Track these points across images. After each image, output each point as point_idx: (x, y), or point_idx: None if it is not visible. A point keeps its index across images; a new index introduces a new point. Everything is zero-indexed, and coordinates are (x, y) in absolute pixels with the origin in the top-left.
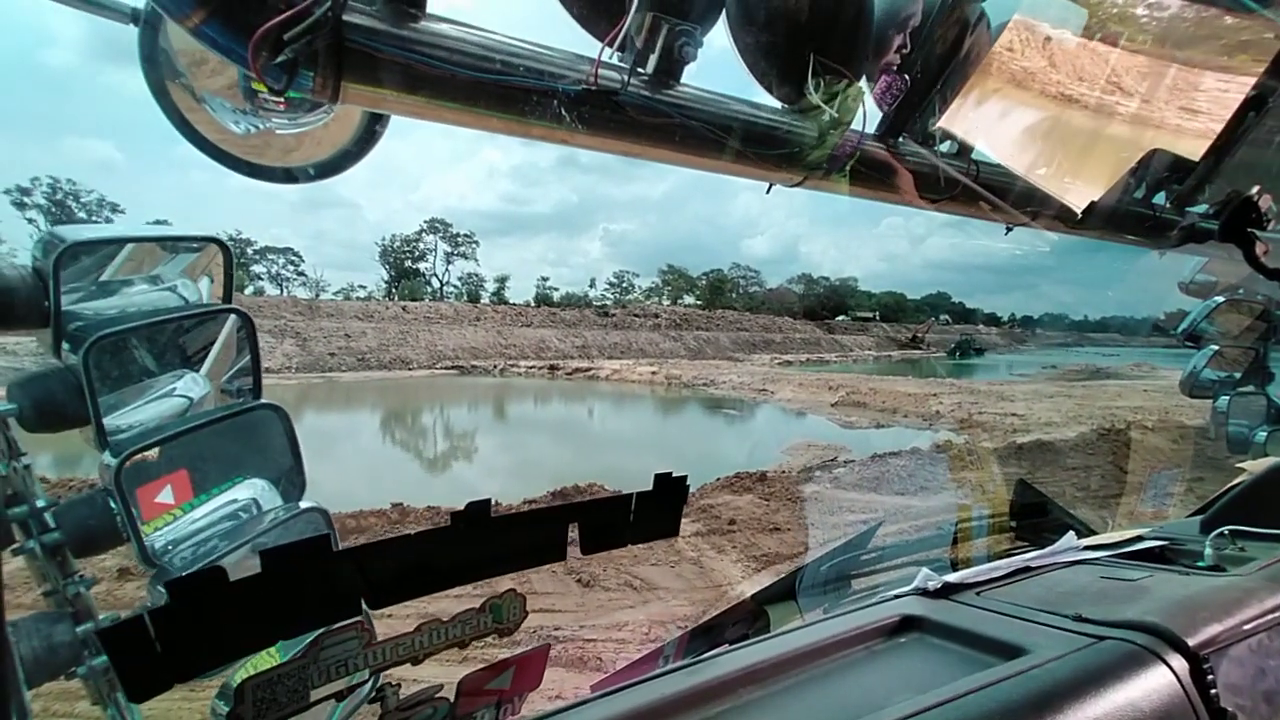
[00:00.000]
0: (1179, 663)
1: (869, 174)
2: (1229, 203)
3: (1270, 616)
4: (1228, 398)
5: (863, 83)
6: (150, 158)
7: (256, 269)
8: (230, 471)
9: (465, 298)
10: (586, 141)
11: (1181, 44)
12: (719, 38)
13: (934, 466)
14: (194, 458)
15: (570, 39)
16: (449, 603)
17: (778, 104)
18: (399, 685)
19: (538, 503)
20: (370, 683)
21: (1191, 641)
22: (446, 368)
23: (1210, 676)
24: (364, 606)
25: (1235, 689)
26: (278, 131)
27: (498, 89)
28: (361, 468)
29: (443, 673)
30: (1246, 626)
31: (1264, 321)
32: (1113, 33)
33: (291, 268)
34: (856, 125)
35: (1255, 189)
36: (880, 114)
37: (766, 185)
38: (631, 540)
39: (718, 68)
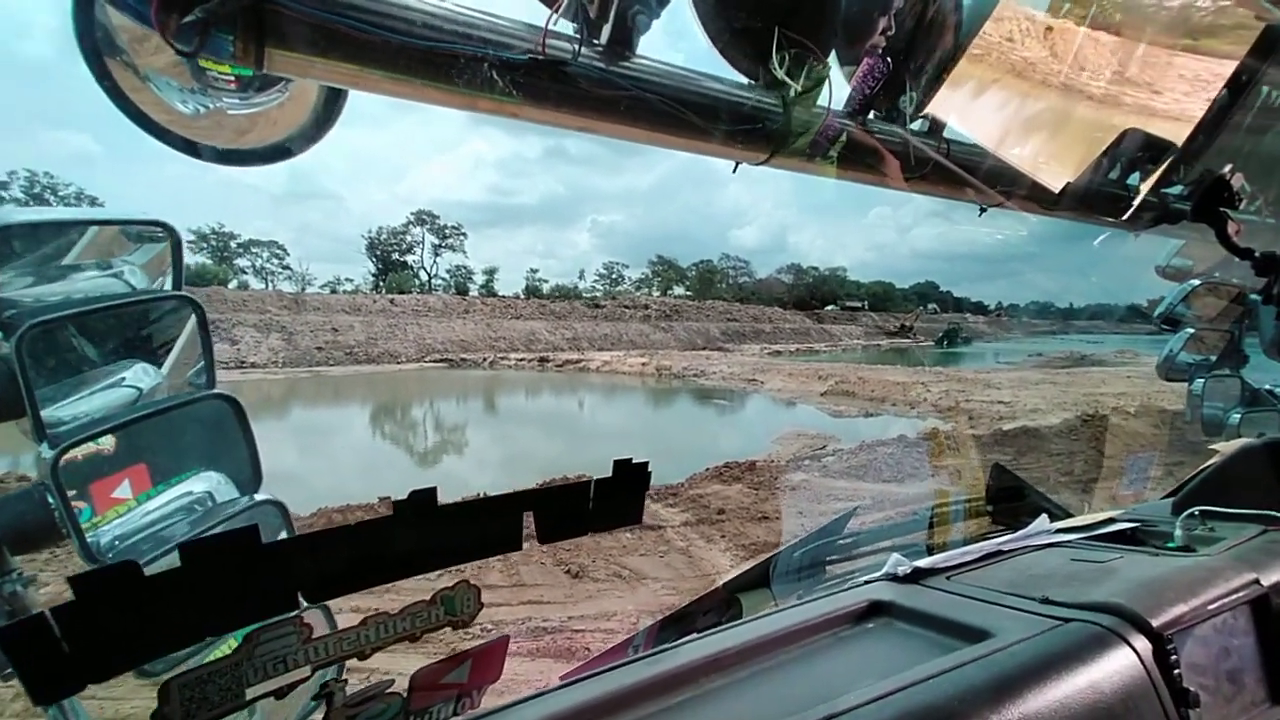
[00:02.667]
0: (1142, 643)
1: (838, 152)
2: (1202, 183)
3: (1234, 596)
4: (1203, 380)
5: (832, 58)
6: (129, 150)
7: (241, 262)
8: (184, 464)
9: (454, 290)
10: (537, 115)
11: (1156, 24)
12: (685, 10)
13: (921, 454)
14: (147, 450)
15: (521, 7)
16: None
17: (744, 79)
18: (345, 681)
19: None
20: (314, 679)
21: (1155, 622)
22: (436, 361)
23: (1174, 657)
24: (301, 600)
25: (1198, 668)
26: (229, 112)
27: (437, 57)
28: (350, 462)
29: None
30: (1211, 606)
31: (1239, 305)
32: (1088, 13)
33: (276, 261)
34: (824, 101)
35: (1227, 168)
36: (848, 90)
37: (733, 164)
38: (592, 528)
39: (686, 42)
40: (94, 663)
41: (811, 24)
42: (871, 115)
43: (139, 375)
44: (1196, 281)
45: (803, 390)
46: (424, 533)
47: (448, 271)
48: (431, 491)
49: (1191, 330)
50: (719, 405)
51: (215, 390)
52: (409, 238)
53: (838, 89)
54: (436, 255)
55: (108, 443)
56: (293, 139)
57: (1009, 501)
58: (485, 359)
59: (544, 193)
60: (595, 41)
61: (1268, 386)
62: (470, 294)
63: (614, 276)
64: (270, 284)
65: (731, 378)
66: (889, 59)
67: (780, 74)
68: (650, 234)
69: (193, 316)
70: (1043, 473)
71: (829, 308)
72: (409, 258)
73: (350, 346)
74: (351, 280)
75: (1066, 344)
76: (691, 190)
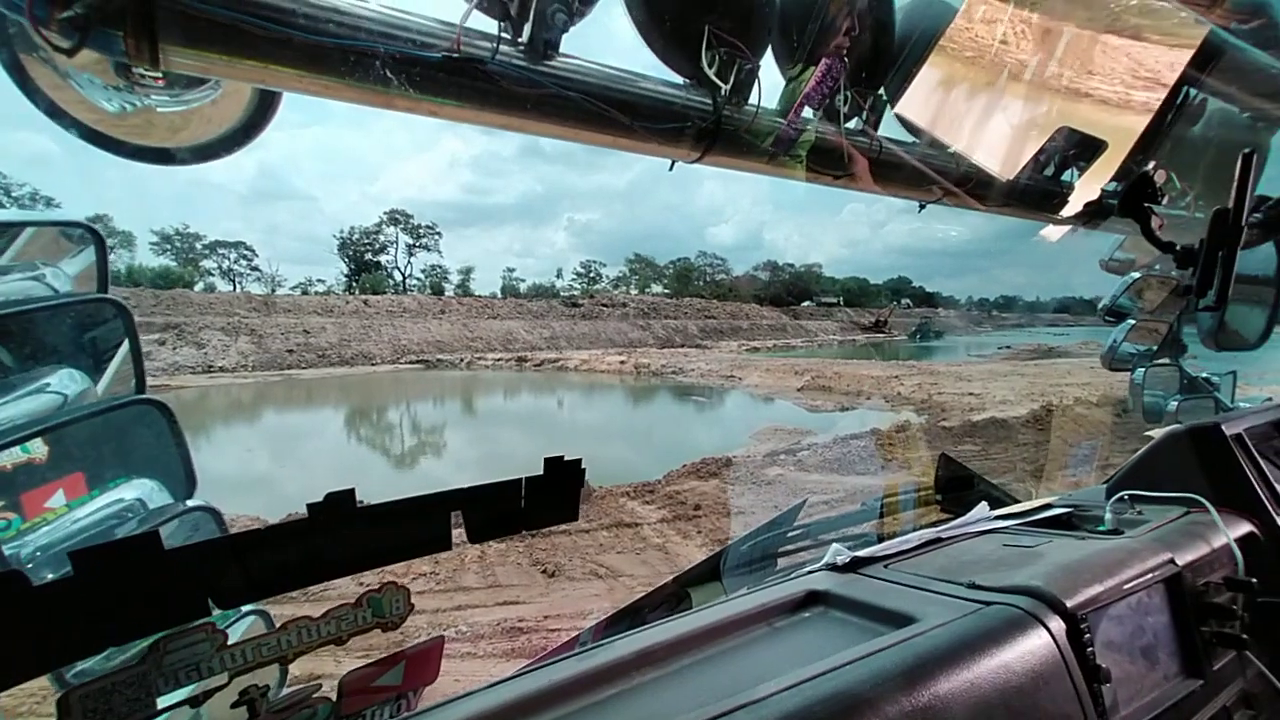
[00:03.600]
0: (1056, 624)
1: (770, 150)
2: (1128, 178)
3: (1149, 576)
4: (1144, 370)
5: (768, 58)
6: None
7: (207, 264)
8: (115, 471)
9: (429, 290)
10: (456, 113)
11: (1091, 23)
12: (619, 10)
13: (892, 446)
14: (77, 458)
15: (440, 6)
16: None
17: (677, 78)
18: (267, 687)
19: None
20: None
21: (1070, 602)
22: (411, 362)
23: (1087, 635)
24: (212, 606)
25: (1113, 645)
26: (160, 110)
27: (348, 54)
28: (324, 466)
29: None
30: (1127, 586)
31: (1177, 296)
32: (1022, 10)
33: (244, 263)
34: (756, 100)
35: (1151, 165)
36: (781, 88)
37: (670, 162)
38: (525, 526)
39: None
40: None
41: (742, 23)
42: (806, 113)
43: (64, 381)
44: (1137, 274)
45: (780, 386)
46: (345, 534)
47: (423, 271)
48: (350, 492)
49: (1133, 321)
50: (697, 402)
51: (145, 395)
52: (382, 237)
53: (773, 88)
54: (411, 255)
55: (38, 451)
56: (230, 135)
57: (957, 490)
58: (462, 359)
59: (521, 191)
60: (518, 40)
61: (1204, 374)
62: (446, 294)
63: (591, 275)
64: (238, 286)
65: (709, 375)
66: (823, 58)
67: (710, 74)
68: (627, 232)
69: (119, 320)
70: (1009, 462)
71: (805, 304)
72: (382, 258)
73: (323, 349)
74: (324, 281)
75: (1034, 336)
76: (668, 188)
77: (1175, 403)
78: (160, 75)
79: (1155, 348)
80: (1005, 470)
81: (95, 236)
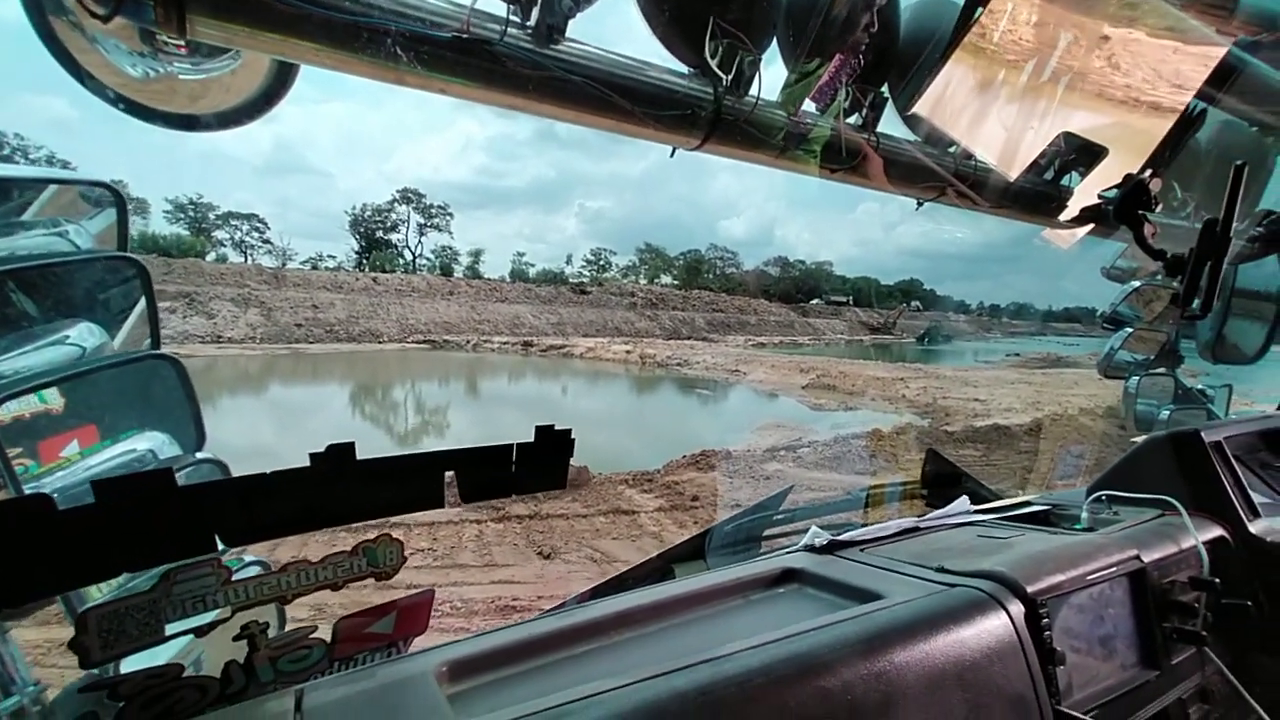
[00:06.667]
0: (1016, 607)
1: (769, 141)
2: (1124, 185)
3: (1113, 569)
4: (1138, 378)
5: (773, 49)
6: (106, 117)
7: (220, 235)
8: (128, 423)
9: (439, 271)
10: (463, 91)
11: (1096, 28)
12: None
13: (891, 447)
14: (93, 408)
15: None
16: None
17: (681, 67)
18: (266, 624)
19: None
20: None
21: (1031, 588)
22: (418, 342)
23: (1045, 620)
24: (220, 544)
25: (1071, 632)
26: (181, 77)
27: (363, 31)
28: (328, 440)
29: None
30: (1091, 577)
31: (1174, 306)
32: (1031, 15)
33: (256, 235)
34: (755, 92)
35: (1147, 173)
36: (783, 80)
37: (670, 149)
38: (514, 490)
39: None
40: (4, 590)
41: (746, 16)
42: (806, 106)
43: (83, 334)
44: (1137, 283)
45: (784, 383)
46: (344, 485)
47: (433, 252)
48: (350, 445)
49: (1130, 330)
50: (701, 395)
51: (159, 351)
52: (394, 216)
53: (775, 80)
54: (422, 235)
55: (56, 400)
56: (248, 104)
57: (943, 486)
58: (469, 341)
59: (533, 176)
60: (526, 24)
61: (1199, 385)
62: (455, 275)
63: (601, 263)
64: (250, 258)
65: (715, 368)
66: (826, 54)
67: (712, 64)
68: (639, 221)
69: (138, 278)
70: (1010, 469)
71: (814, 301)
72: (393, 236)
73: (331, 324)
74: (334, 257)
75: (1044, 345)
76: (681, 180)
77: (1167, 412)
78: (183, 43)
79: (1152, 356)
80: (1005, 476)
81: (116, 197)
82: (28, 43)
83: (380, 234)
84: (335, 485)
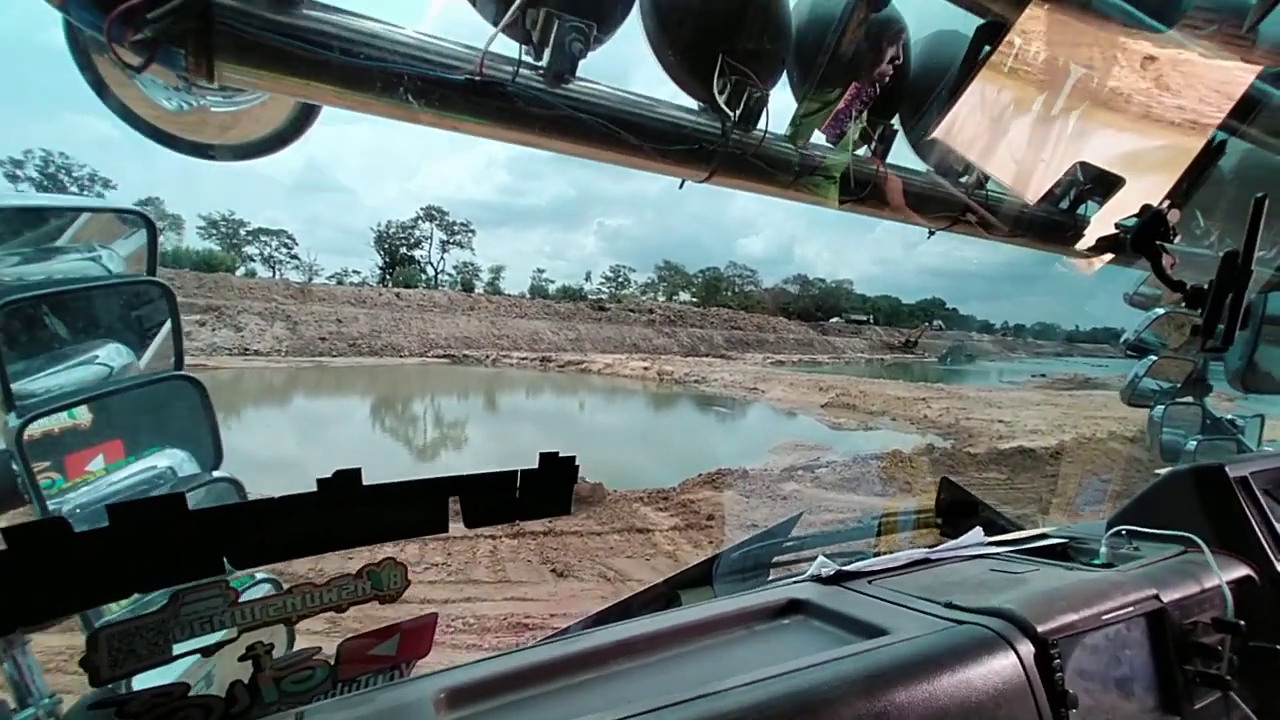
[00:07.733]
0: (1026, 647)
1: (778, 174)
2: (1141, 215)
3: (1130, 609)
4: (1164, 407)
5: (784, 82)
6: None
7: (249, 250)
8: (150, 440)
9: (460, 287)
10: (476, 129)
11: (1109, 59)
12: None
13: (911, 469)
14: (117, 426)
15: (468, 31)
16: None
17: (690, 102)
18: (272, 645)
19: None
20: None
21: (1042, 628)
22: (438, 356)
23: (1057, 661)
24: (227, 566)
25: (1086, 674)
26: (213, 109)
27: (380, 75)
28: (348, 453)
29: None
30: (1106, 616)
31: (1199, 335)
32: (1036, 45)
33: (285, 250)
34: (763, 125)
35: (1165, 203)
36: (791, 113)
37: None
38: (518, 516)
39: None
40: (22, 609)
41: (756, 53)
42: (815, 138)
43: (111, 354)
44: (1162, 310)
45: (803, 401)
46: (351, 510)
47: (454, 268)
48: (357, 471)
49: (1155, 357)
50: (718, 412)
51: (181, 372)
52: (418, 232)
53: (783, 110)
54: (444, 251)
55: (83, 417)
56: (274, 136)
57: (958, 515)
58: (488, 356)
59: (554, 194)
60: (538, 65)
61: (1229, 416)
62: (476, 291)
63: (620, 280)
64: (278, 273)
65: (732, 385)
66: (835, 89)
67: (720, 100)
68: (658, 240)
69: (164, 301)
70: (1035, 493)
71: (834, 320)
72: (417, 253)
73: (354, 338)
74: (359, 272)
75: (1071, 366)
76: (700, 199)
77: (1194, 442)
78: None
79: (1179, 385)
80: (1030, 501)
81: (147, 222)
82: (71, 68)
83: (404, 250)
84: (341, 510)
